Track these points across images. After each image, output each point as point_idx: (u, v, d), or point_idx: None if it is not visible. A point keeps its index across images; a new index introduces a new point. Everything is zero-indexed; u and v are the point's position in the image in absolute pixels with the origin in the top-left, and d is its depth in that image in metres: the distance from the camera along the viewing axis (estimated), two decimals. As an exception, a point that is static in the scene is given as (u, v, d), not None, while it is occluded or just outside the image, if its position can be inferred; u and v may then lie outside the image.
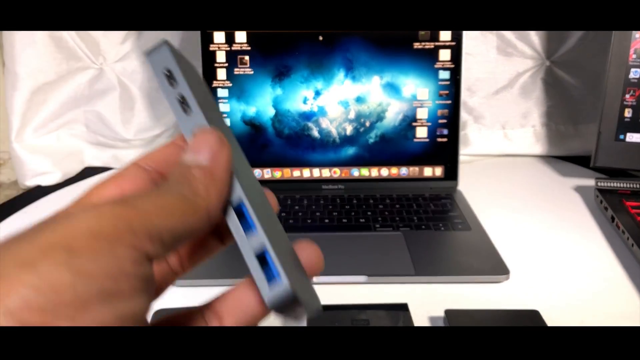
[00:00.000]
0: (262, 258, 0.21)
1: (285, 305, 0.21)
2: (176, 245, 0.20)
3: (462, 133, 0.89)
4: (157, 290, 0.23)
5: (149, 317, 0.21)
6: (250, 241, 0.21)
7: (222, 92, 0.75)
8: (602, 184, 0.72)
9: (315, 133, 0.76)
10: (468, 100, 0.89)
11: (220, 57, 0.74)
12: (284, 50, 0.74)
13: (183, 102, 0.22)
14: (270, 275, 0.21)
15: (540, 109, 0.90)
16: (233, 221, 0.21)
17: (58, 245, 0.17)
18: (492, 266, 0.57)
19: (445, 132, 0.76)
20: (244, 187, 0.22)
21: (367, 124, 0.76)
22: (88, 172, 0.87)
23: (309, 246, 0.24)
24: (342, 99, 0.76)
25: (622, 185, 0.71)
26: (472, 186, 0.77)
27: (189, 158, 0.22)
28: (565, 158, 0.89)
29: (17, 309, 0.15)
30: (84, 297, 0.16)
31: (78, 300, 0.16)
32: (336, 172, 0.77)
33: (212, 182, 0.21)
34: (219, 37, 0.74)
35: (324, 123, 0.76)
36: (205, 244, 0.25)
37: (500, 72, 0.88)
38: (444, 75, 0.75)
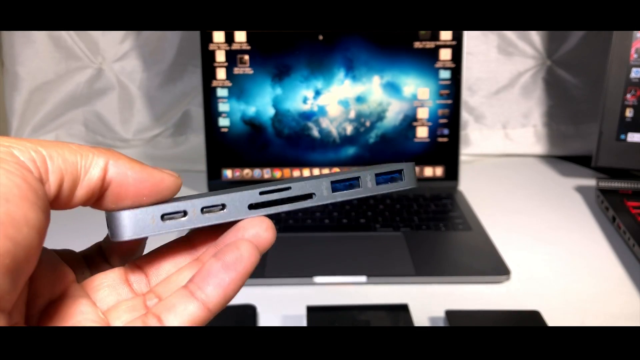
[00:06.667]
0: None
1: None
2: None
3: (462, 133, 0.89)
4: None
5: None
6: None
7: (221, 92, 0.75)
8: (603, 184, 0.72)
9: (315, 133, 0.76)
10: (469, 99, 0.89)
11: (220, 56, 0.74)
12: (284, 49, 0.74)
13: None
14: None
15: (541, 108, 0.89)
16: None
17: None
18: (492, 266, 0.57)
19: (446, 132, 0.76)
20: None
21: (368, 123, 0.76)
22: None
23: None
24: (342, 98, 0.75)
25: (623, 185, 0.71)
26: (472, 186, 0.77)
27: None
28: (566, 158, 0.89)
29: None
30: None
31: None
32: (336, 172, 0.77)
33: None
34: (219, 36, 0.74)
35: (324, 123, 0.76)
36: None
37: (501, 72, 0.88)
38: (445, 74, 0.75)
